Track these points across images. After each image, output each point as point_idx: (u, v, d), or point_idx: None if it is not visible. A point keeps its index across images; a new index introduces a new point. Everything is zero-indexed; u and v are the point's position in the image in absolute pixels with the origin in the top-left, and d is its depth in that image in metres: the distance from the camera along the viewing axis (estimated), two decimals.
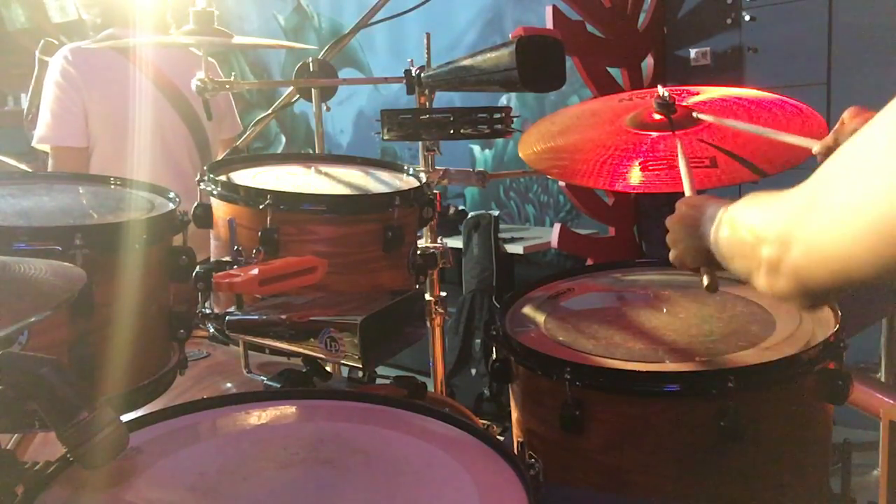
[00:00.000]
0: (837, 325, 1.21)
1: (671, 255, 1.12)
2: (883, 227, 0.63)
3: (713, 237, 0.96)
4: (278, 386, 1.26)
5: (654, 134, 1.45)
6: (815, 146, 1.22)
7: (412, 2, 1.89)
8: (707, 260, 1.02)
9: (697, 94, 1.56)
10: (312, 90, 1.82)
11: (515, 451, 1.24)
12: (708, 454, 1.12)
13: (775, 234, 0.77)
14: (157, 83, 2.36)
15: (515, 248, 3.62)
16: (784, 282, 0.77)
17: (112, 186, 1.32)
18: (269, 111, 1.96)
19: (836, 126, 1.17)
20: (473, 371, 3.52)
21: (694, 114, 1.44)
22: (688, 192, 1.22)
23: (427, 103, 1.73)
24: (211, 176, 1.34)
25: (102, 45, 2.29)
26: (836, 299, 0.81)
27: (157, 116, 2.34)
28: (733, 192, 1.37)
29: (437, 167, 1.71)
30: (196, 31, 1.82)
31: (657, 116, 1.45)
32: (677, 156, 1.31)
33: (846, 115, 1.15)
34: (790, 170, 1.31)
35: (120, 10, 2.37)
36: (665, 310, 1.38)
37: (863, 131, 0.66)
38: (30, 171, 2.40)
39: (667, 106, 1.44)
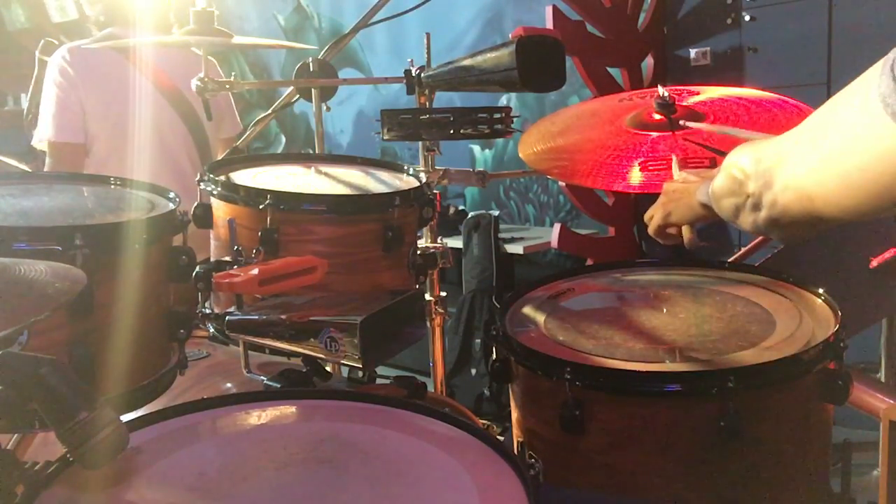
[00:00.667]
0: (837, 325, 1.21)
1: (661, 207, 1.26)
2: (846, 174, 0.74)
3: (711, 185, 1.04)
4: (278, 386, 1.26)
5: (654, 134, 1.45)
6: None
7: (412, 2, 1.89)
8: (698, 217, 1.17)
9: (697, 93, 1.56)
10: (312, 90, 1.82)
11: (515, 451, 1.24)
12: (708, 454, 1.12)
13: (760, 171, 0.88)
14: (156, 83, 2.36)
15: (515, 248, 3.62)
16: (767, 212, 0.87)
17: (112, 186, 1.32)
18: (269, 111, 1.96)
19: None
20: (473, 371, 3.52)
21: (681, 121, 1.44)
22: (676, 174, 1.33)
23: (427, 103, 1.73)
24: (211, 176, 1.34)
25: (101, 46, 2.29)
26: (804, 236, 0.92)
27: (155, 116, 2.34)
28: None
29: (437, 167, 1.71)
30: (196, 31, 1.82)
31: (657, 116, 1.45)
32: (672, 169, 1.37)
33: None
34: None
35: (122, 8, 2.37)
36: (665, 310, 1.38)
37: (841, 92, 0.75)
38: (29, 171, 2.41)
39: (667, 106, 1.44)
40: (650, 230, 1.29)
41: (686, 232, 1.23)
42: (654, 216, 1.28)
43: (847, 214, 0.78)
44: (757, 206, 0.89)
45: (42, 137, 2.28)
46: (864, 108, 0.70)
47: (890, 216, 0.82)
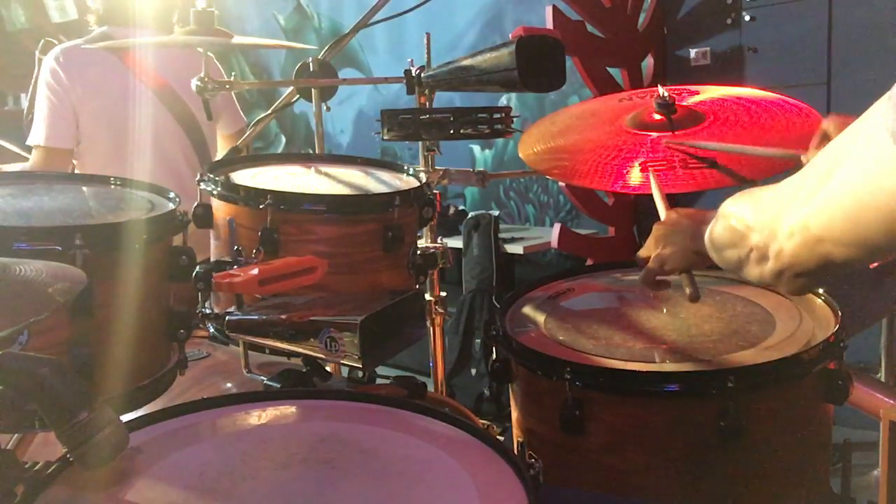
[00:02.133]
0: (837, 325, 1.21)
1: (654, 257, 1.18)
2: (856, 211, 0.71)
3: (708, 233, 1.00)
4: (278, 386, 1.26)
5: (654, 134, 1.45)
6: (802, 156, 1.25)
7: (412, 2, 1.88)
8: (692, 264, 1.11)
9: (697, 93, 1.56)
10: (312, 90, 1.82)
11: (515, 451, 1.24)
12: (708, 454, 1.12)
13: (764, 221, 0.85)
14: (150, 83, 2.36)
15: (515, 248, 3.62)
16: (771, 266, 0.84)
17: (112, 186, 1.32)
18: (269, 111, 1.96)
19: (819, 136, 1.21)
20: (473, 371, 3.52)
21: (664, 141, 1.43)
22: (662, 213, 1.28)
23: (427, 103, 1.73)
24: (211, 176, 1.34)
25: (94, 47, 2.29)
26: (818, 285, 0.88)
27: (149, 116, 2.34)
28: (733, 191, 1.37)
29: (437, 167, 1.71)
30: (196, 31, 1.82)
31: (657, 116, 1.45)
32: (651, 185, 1.36)
33: (827, 125, 1.20)
34: (791, 169, 1.30)
35: (121, 7, 2.37)
36: (665, 310, 1.38)
37: (843, 133, 0.74)
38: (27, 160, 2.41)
39: (667, 106, 1.44)
40: (640, 279, 1.24)
41: (686, 285, 1.17)
42: (647, 266, 1.22)
43: (859, 254, 0.76)
44: (763, 259, 0.85)
45: (35, 141, 2.28)
46: (871, 143, 0.69)
47: None
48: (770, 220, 0.84)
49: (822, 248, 0.77)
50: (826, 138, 1.24)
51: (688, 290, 1.14)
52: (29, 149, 2.36)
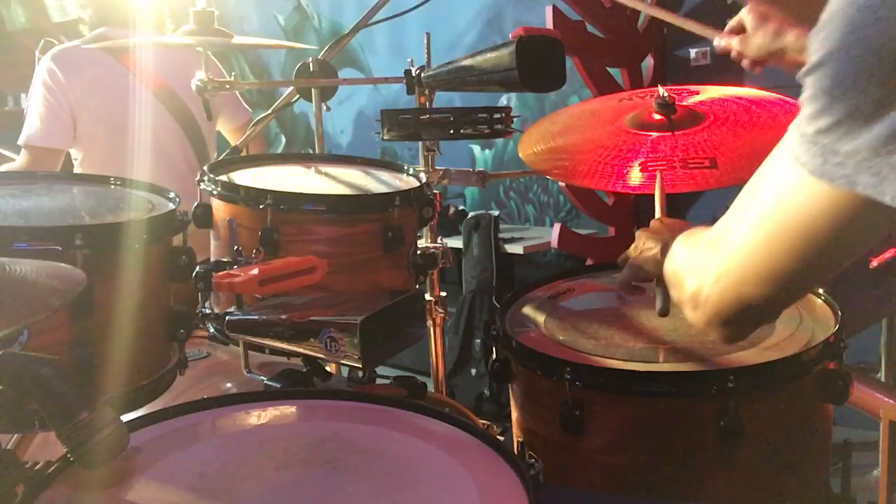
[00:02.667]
0: (837, 325, 1.21)
1: (629, 263, 1.18)
2: (768, 244, 0.71)
3: (665, 264, 1.00)
4: (278, 386, 1.26)
5: (654, 134, 1.45)
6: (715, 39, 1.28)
7: (412, 2, 1.88)
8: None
9: (697, 93, 1.56)
10: (312, 90, 1.82)
11: (515, 451, 1.24)
12: (708, 454, 1.12)
13: (696, 267, 0.84)
14: (149, 83, 2.36)
15: (515, 248, 3.61)
16: (703, 311, 0.82)
17: (112, 186, 1.32)
18: (269, 111, 1.96)
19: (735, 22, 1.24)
20: (473, 371, 3.52)
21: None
22: (658, 214, 1.28)
23: (427, 103, 1.73)
24: (211, 176, 1.34)
25: (92, 47, 2.29)
26: (747, 331, 0.86)
27: (148, 116, 2.33)
28: (734, 191, 1.37)
29: (437, 167, 1.71)
30: (196, 31, 1.82)
31: (657, 116, 1.45)
32: (655, 185, 1.35)
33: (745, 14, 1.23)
34: None
35: (115, 8, 2.36)
36: None
37: (761, 166, 0.72)
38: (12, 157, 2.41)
39: (667, 106, 1.44)
40: (617, 281, 1.21)
41: (657, 296, 1.13)
42: (623, 269, 1.20)
43: (775, 292, 0.74)
44: (695, 306, 0.83)
45: (31, 141, 2.27)
46: (779, 172, 0.67)
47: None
48: (699, 267, 0.83)
49: (742, 290, 0.76)
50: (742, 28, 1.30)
51: (658, 304, 1.12)
52: (17, 149, 2.36)
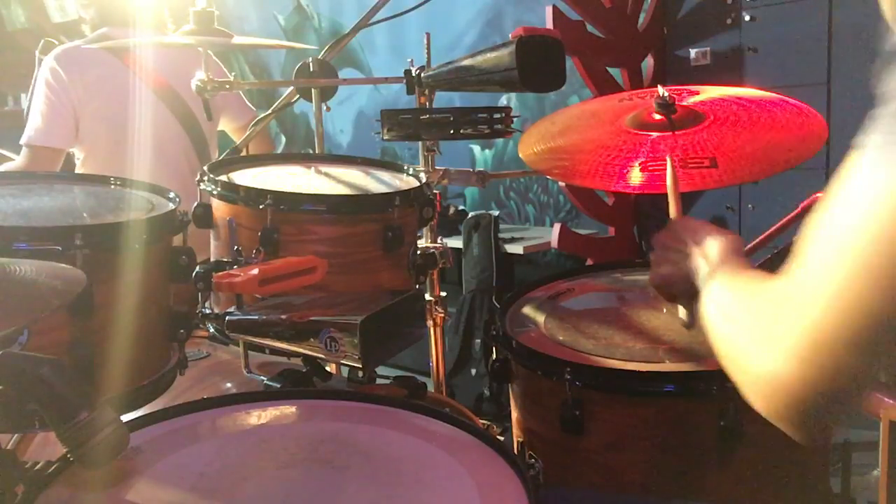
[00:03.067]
0: (838, 418, 1.21)
1: (652, 276, 1.06)
2: (871, 282, 0.54)
3: (699, 292, 0.86)
4: (278, 386, 1.26)
5: (654, 134, 1.44)
6: None
7: (412, 2, 1.88)
8: (691, 292, 0.92)
9: (697, 93, 1.56)
10: (312, 90, 1.82)
11: (515, 451, 1.24)
12: (708, 454, 1.12)
13: (763, 336, 0.64)
14: (150, 83, 2.36)
15: (515, 248, 3.62)
16: (786, 398, 0.65)
17: (112, 186, 1.32)
18: (269, 111, 1.96)
19: None
20: (473, 371, 3.52)
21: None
22: (673, 213, 1.19)
23: (427, 103, 1.73)
24: (211, 176, 1.34)
25: (94, 47, 2.29)
26: (833, 420, 0.66)
27: (150, 116, 2.33)
28: (734, 191, 1.37)
29: (437, 167, 1.71)
30: (196, 31, 1.82)
31: (657, 116, 1.45)
32: (667, 175, 1.26)
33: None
34: (791, 170, 1.31)
35: (116, 8, 2.36)
36: (665, 310, 1.38)
37: (825, 208, 0.58)
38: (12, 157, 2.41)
39: (667, 106, 1.44)
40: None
41: (681, 312, 1.04)
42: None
43: (870, 349, 0.56)
44: (772, 393, 0.66)
45: (33, 141, 2.27)
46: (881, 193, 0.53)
47: None
48: (774, 334, 0.62)
49: (840, 359, 0.57)
50: None
51: (684, 318, 1.03)
52: (18, 149, 2.35)
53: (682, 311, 1.08)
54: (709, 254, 0.90)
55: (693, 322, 1.04)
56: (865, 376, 0.59)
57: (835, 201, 0.57)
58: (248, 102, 2.66)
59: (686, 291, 0.95)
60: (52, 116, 2.26)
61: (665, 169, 1.33)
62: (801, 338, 0.59)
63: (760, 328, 0.65)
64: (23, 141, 2.29)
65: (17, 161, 2.33)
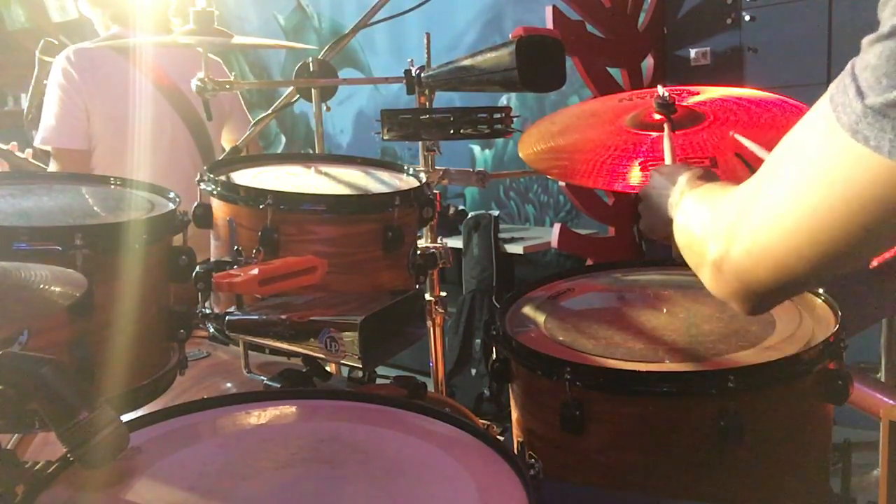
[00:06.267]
0: (837, 325, 1.21)
1: (642, 223, 1.12)
2: (816, 216, 0.64)
3: (674, 217, 0.96)
4: (278, 386, 1.26)
5: (654, 134, 1.45)
6: None
7: (412, 2, 1.88)
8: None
9: (697, 94, 1.56)
10: (312, 90, 1.82)
11: (515, 451, 1.24)
12: (708, 454, 1.12)
13: (720, 231, 0.76)
14: (158, 84, 2.36)
15: (515, 248, 3.62)
16: (727, 280, 0.76)
17: (112, 186, 1.32)
18: (269, 111, 1.96)
19: None
20: (473, 371, 3.52)
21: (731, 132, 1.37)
22: (668, 160, 1.24)
23: (427, 103, 1.73)
24: (211, 176, 1.34)
25: (103, 46, 2.29)
26: (775, 303, 0.80)
27: (158, 118, 2.34)
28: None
29: (437, 167, 1.71)
30: (196, 31, 1.82)
31: (657, 116, 1.45)
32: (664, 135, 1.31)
33: None
34: None
35: (124, 9, 2.37)
36: (665, 310, 1.38)
37: (795, 128, 0.67)
38: (32, 163, 2.41)
39: (667, 106, 1.44)
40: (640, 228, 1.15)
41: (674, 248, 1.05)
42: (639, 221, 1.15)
43: (820, 265, 0.67)
44: (718, 270, 0.77)
45: (46, 142, 2.28)
46: (829, 140, 0.62)
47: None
48: (726, 230, 0.75)
49: (781, 263, 0.69)
50: None
51: (674, 250, 1.03)
52: (24, 150, 2.36)
53: (674, 247, 1.08)
54: (679, 184, 0.98)
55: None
56: (808, 280, 0.71)
57: (805, 144, 0.66)
58: (248, 114, 2.65)
59: (671, 229, 1.02)
60: (65, 117, 2.27)
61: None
62: (752, 236, 0.71)
63: (715, 221, 0.79)
64: (37, 143, 2.30)
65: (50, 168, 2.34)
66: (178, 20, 2.41)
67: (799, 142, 0.67)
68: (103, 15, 2.41)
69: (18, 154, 2.44)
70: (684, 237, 0.89)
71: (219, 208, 1.33)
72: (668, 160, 1.25)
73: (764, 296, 0.76)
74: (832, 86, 0.63)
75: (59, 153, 2.28)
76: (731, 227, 0.74)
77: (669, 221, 1.00)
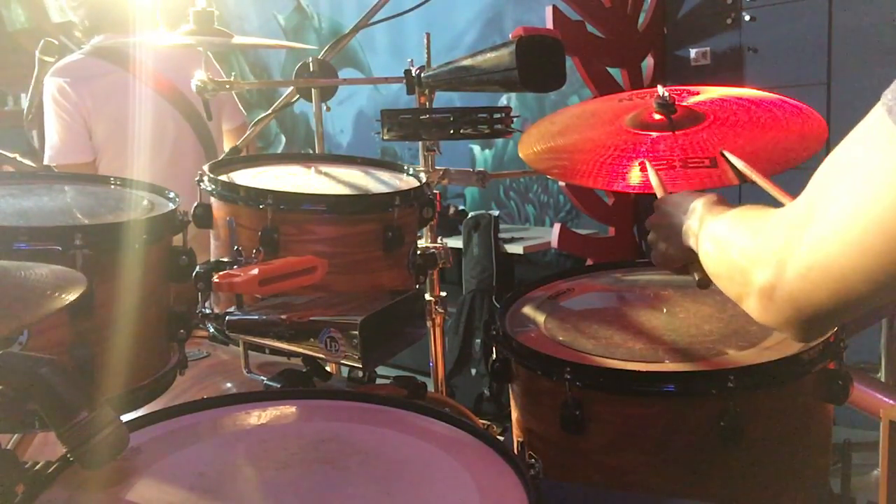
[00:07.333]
0: (837, 325, 1.21)
1: (653, 256, 1.12)
2: (882, 230, 0.60)
3: (695, 248, 0.94)
4: (278, 386, 1.26)
5: (654, 134, 1.45)
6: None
7: (412, 2, 1.89)
8: (692, 257, 0.99)
9: (697, 94, 1.56)
10: (312, 90, 1.82)
11: (515, 451, 1.24)
12: (708, 454, 1.12)
13: (767, 257, 0.72)
14: (156, 87, 2.36)
15: (515, 248, 3.62)
16: (778, 308, 0.72)
17: (112, 186, 1.32)
18: (269, 111, 1.96)
19: None
20: (473, 371, 3.52)
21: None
22: (659, 193, 1.22)
23: (427, 103, 1.73)
24: (211, 176, 1.34)
25: (91, 55, 2.29)
26: (829, 329, 0.77)
27: (159, 120, 2.34)
28: (734, 191, 1.37)
29: (437, 167, 1.71)
30: (196, 31, 1.82)
31: (657, 116, 1.45)
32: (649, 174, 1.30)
33: None
34: (791, 170, 1.31)
35: (107, 11, 2.36)
36: (665, 310, 1.38)
37: (849, 138, 0.64)
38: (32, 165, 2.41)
39: (667, 106, 1.44)
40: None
41: (695, 275, 1.04)
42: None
43: (884, 286, 0.63)
44: (768, 298, 0.72)
45: (54, 161, 2.29)
46: (892, 146, 0.59)
47: None
48: (777, 253, 0.70)
49: (842, 286, 0.65)
50: None
51: (695, 276, 1.04)
52: (30, 158, 2.36)
53: (695, 276, 1.07)
54: (696, 211, 0.96)
55: (708, 281, 1.02)
56: (869, 300, 0.65)
57: (868, 153, 0.62)
58: (240, 106, 2.66)
59: (689, 257, 1.01)
60: (68, 134, 2.28)
61: (664, 169, 1.33)
62: (807, 258, 0.66)
63: (762, 245, 0.73)
64: (46, 162, 2.31)
65: None
66: (164, 24, 2.41)
67: (852, 158, 0.64)
68: (84, 16, 2.39)
69: (25, 161, 2.45)
70: (720, 266, 0.85)
71: (219, 208, 1.33)
72: (659, 195, 1.22)
73: (819, 320, 0.72)
74: (887, 98, 0.60)
75: (67, 168, 2.28)
76: (780, 251, 0.70)
77: (686, 251, 0.99)
